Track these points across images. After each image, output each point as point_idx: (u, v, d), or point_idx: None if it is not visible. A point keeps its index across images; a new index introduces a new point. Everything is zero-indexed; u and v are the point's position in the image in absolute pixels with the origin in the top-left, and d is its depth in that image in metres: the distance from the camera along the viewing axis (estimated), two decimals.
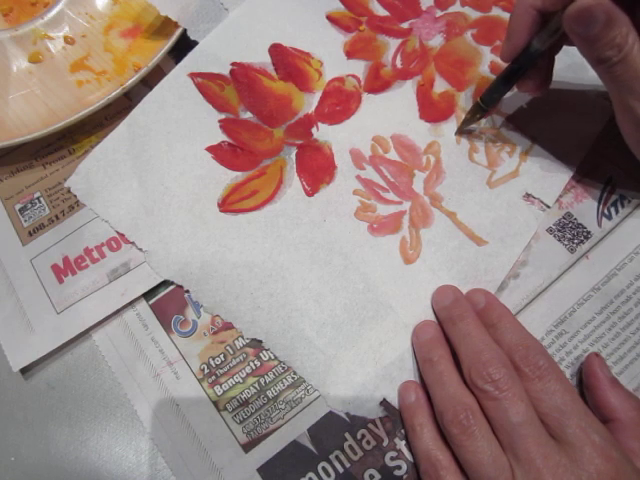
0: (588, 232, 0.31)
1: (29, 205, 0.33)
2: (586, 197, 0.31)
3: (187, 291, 0.30)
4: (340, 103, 0.34)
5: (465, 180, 0.32)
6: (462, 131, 0.33)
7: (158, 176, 0.32)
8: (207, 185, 0.32)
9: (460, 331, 0.26)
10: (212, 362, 0.29)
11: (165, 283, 0.30)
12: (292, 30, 0.36)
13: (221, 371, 0.28)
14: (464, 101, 0.34)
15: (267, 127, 0.34)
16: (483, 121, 0.33)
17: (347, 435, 0.27)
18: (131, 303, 0.30)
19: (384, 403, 0.27)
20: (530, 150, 0.32)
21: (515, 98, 0.34)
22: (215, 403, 0.28)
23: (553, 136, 0.33)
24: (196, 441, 0.27)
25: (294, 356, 0.28)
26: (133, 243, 0.31)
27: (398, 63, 0.36)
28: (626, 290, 0.29)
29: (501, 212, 0.31)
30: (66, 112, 0.33)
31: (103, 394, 0.29)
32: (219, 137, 0.33)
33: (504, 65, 0.29)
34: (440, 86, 0.35)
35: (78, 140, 0.34)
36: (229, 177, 0.32)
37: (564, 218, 0.31)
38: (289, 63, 0.35)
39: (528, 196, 0.31)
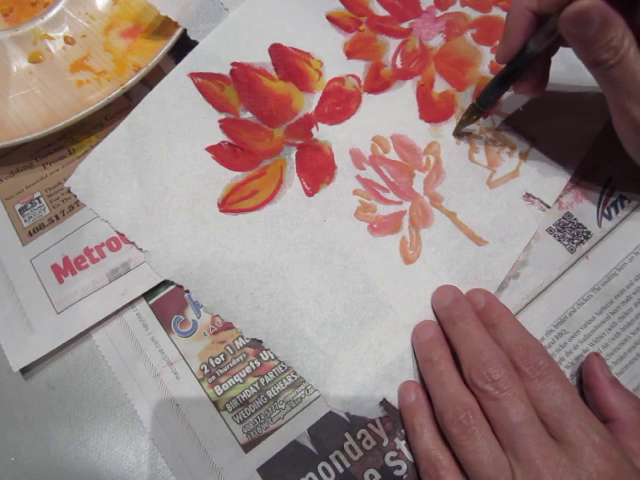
0: (588, 232, 0.31)
1: (29, 205, 0.33)
2: (586, 197, 0.31)
3: (187, 291, 0.30)
4: (340, 103, 0.34)
5: (465, 180, 0.32)
6: (459, 133, 0.33)
7: (158, 176, 0.32)
8: (207, 185, 0.32)
9: (460, 331, 0.26)
10: (212, 362, 0.29)
11: (165, 283, 0.30)
12: (292, 30, 0.36)
13: (221, 371, 0.28)
14: (464, 101, 0.34)
15: (267, 127, 0.34)
16: (482, 121, 0.33)
17: (347, 435, 0.27)
18: (131, 303, 0.30)
19: (384, 403, 0.27)
20: (530, 150, 0.32)
21: (515, 98, 0.34)
22: (215, 403, 0.28)
23: (553, 136, 0.33)
24: (196, 441, 0.27)
25: (294, 356, 0.28)
26: (133, 243, 0.31)
27: (398, 63, 0.36)
28: (626, 290, 0.29)
29: (501, 212, 0.31)
30: (66, 112, 0.33)
31: (103, 394, 0.29)
32: (219, 137, 0.33)
33: (502, 66, 0.30)
34: (440, 86, 0.35)
35: (78, 140, 0.34)
36: (229, 177, 0.32)
37: (564, 218, 0.31)
38: (289, 63, 0.35)
39: (528, 196, 0.31)
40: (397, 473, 0.26)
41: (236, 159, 0.33)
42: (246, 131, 0.33)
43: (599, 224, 0.31)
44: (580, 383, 0.27)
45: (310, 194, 0.32)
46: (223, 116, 0.34)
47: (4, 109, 0.34)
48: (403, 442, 0.26)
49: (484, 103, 0.31)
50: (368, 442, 0.27)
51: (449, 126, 0.33)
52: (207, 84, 0.35)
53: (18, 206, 0.33)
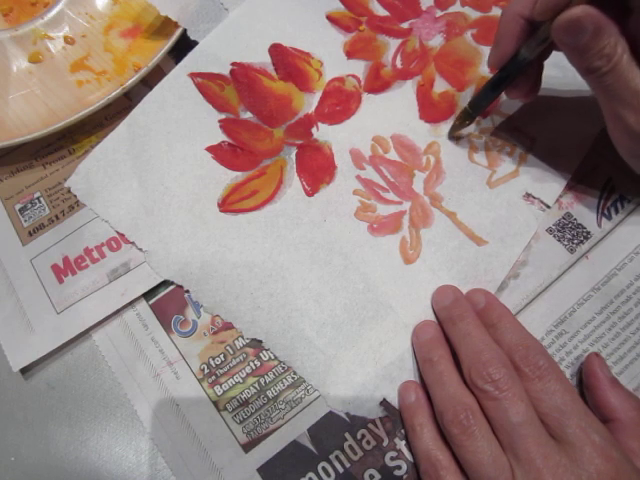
0: (588, 232, 0.31)
1: (29, 205, 0.33)
2: (586, 197, 0.31)
3: (187, 291, 0.30)
4: (340, 103, 0.34)
5: (465, 180, 0.32)
6: (452, 136, 0.33)
7: (158, 176, 0.32)
8: (207, 185, 0.32)
9: (460, 331, 0.26)
10: (212, 362, 0.29)
11: (165, 283, 0.30)
12: (292, 30, 0.36)
13: (221, 371, 0.28)
14: (464, 101, 0.34)
15: (267, 127, 0.34)
16: (482, 121, 0.33)
17: (347, 435, 0.27)
18: (131, 303, 0.30)
19: (384, 403, 0.27)
20: (530, 150, 0.32)
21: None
22: (215, 403, 0.28)
23: (553, 136, 0.33)
24: (196, 441, 0.27)
25: (294, 356, 0.28)
26: (133, 243, 0.31)
27: (398, 63, 0.36)
28: (626, 290, 0.29)
29: (501, 212, 0.31)
30: (66, 112, 0.33)
31: (103, 394, 0.29)
32: (219, 137, 0.33)
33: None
34: (440, 86, 0.35)
35: (78, 140, 0.34)
36: (229, 177, 0.32)
37: (564, 218, 0.31)
38: (289, 63, 0.35)
39: (528, 196, 0.31)
40: (397, 473, 0.26)
41: (236, 159, 0.33)
42: (246, 131, 0.33)
43: (599, 224, 0.31)
44: (580, 383, 0.27)
45: (310, 194, 0.32)
46: (223, 116, 0.34)
47: (4, 109, 0.34)
48: (403, 442, 0.26)
49: (476, 108, 0.31)
50: (368, 442, 0.27)
51: (449, 126, 0.33)
52: (207, 84, 0.35)
53: (18, 206, 0.33)
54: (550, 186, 0.31)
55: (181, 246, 0.30)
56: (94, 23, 0.37)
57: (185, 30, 0.35)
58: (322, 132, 0.33)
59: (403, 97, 0.35)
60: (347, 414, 0.27)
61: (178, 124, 0.33)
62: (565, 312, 0.29)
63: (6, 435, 0.28)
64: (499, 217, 0.31)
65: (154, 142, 0.33)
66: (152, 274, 0.30)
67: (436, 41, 0.36)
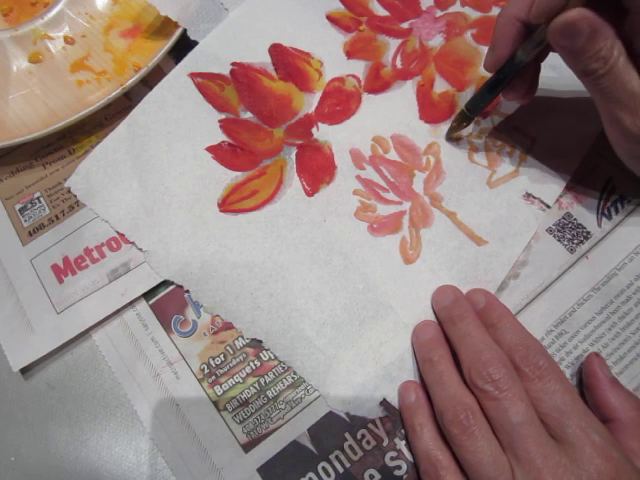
0: (588, 232, 0.31)
1: (29, 205, 0.33)
2: (586, 197, 0.31)
3: (187, 291, 0.30)
4: (340, 103, 0.34)
5: (465, 180, 0.32)
6: (450, 138, 0.33)
7: (158, 176, 0.32)
8: (207, 185, 0.32)
9: (460, 331, 0.26)
10: (212, 362, 0.29)
11: (165, 283, 0.30)
12: (292, 30, 0.36)
13: (221, 371, 0.28)
14: (464, 101, 0.34)
15: (267, 127, 0.34)
16: (482, 121, 0.33)
17: (347, 435, 0.27)
18: (131, 303, 0.30)
19: (384, 403, 0.27)
20: (530, 150, 0.32)
21: None
22: (215, 403, 0.28)
23: (553, 136, 0.33)
24: (196, 441, 0.27)
25: (294, 356, 0.28)
26: (133, 243, 0.31)
27: (398, 63, 0.36)
28: (626, 290, 0.29)
29: (501, 212, 0.31)
30: (66, 112, 0.33)
31: (103, 394, 0.29)
32: (219, 137, 0.33)
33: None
34: (440, 86, 0.35)
35: (78, 140, 0.34)
36: (229, 177, 0.32)
37: (564, 218, 0.31)
38: (289, 63, 0.35)
39: (528, 196, 0.31)
40: (397, 473, 0.26)
41: (236, 159, 0.33)
42: (246, 131, 0.33)
43: (599, 224, 0.31)
44: (580, 383, 0.27)
45: (310, 194, 0.32)
46: (223, 116, 0.34)
47: (4, 109, 0.34)
48: (403, 442, 0.26)
49: (473, 110, 0.31)
50: (368, 442, 0.27)
51: (449, 127, 0.33)
52: (207, 84, 0.35)
53: (18, 206, 0.33)
54: (550, 186, 0.31)
55: (181, 246, 0.30)
56: (94, 23, 0.37)
57: (185, 30, 0.35)
58: (322, 132, 0.33)
59: (403, 97, 0.35)
60: (347, 414, 0.27)
61: (178, 124, 0.33)
62: (565, 312, 0.29)
63: (6, 435, 0.28)
64: (499, 217, 0.31)
65: (154, 142, 0.33)
66: (152, 274, 0.30)
67: (436, 41, 0.36)
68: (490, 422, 0.23)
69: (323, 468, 0.26)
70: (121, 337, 0.29)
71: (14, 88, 0.35)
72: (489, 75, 0.29)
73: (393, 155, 0.33)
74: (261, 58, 0.35)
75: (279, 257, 0.30)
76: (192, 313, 0.30)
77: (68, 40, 0.36)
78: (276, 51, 0.36)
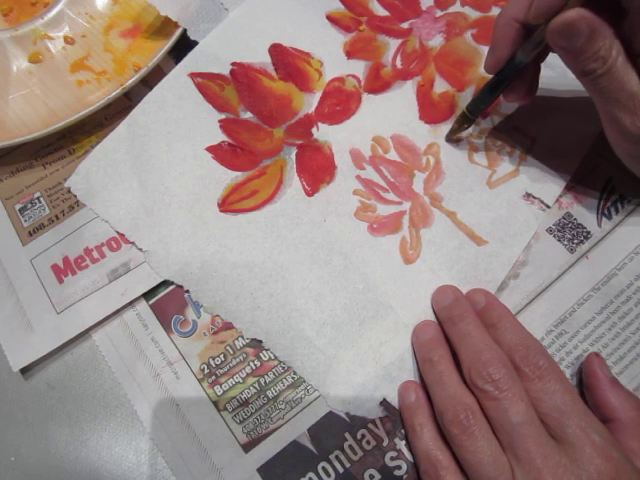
0: (588, 232, 0.31)
1: (29, 205, 0.33)
2: (586, 197, 0.31)
3: (187, 291, 0.30)
4: (340, 103, 0.34)
5: (465, 180, 0.32)
6: (451, 139, 0.33)
7: (158, 176, 0.32)
8: (207, 185, 0.32)
9: (460, 331, 0.26)
10: (212, 362, 0.29)
11: (165, 283, 0.30)
12: (292, 30, 0.36)
13: (221, 371, 0.28)
14: (464, 101, 0.34)
15: (267, 127, 0.34)
16: (482, 121, 0.33)
17: (347, 435, 0.27)
18: (131, 303, 0.30)
19: (384, 403, 0.27)
20: (530, 150, 0.32)
21: None
22: (215, 403, 0.28)
23: (553, 136, 0.33)
24: (196, 441, 0.27)
25: (294, 356, 0.28)
26: (133, 243, 0.31)
27: (398, 63, 0.36)
28: (626, 290, 0.29)
29: (501, 212, 0.31)
30: (66, 112, 0.33)
31: (103, 394, 0.29)
32: (219, 137, 0.33)
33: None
34: (440, 86, 0.35)
35: (78, 140, 0.34)
36: (229, 177, 0.32)
37: (564, 218, 0.31)
38: (289, 63, 0.35)
39: (528, 196, 0.31)
40: (397, 473, 0.26)
41: (236, 159, 0.33)
42: (246, 131, 0.33)
43: (599, 224, 0.31)
44: (580, 383, 0.27)
45: (310, 194, 0.32)
46: (223, 116, 0.34)
47: (4, 109, 0.34)
48: (403, 442, 0.26)
49: (474, 111, 0.31)
50: (368, 442, 0.27)
51: (449, 127, 0.33)
52: (207, 84, 0.35)
53: (18, 206, 0.33)
54: (550, 186, 0.31)
55: (181, 246, 0.30)
56: (94, 23, 0.37)
57: (185, 30, 0.35)
58: (322, 132, 0.33)
59: (403, 97, 0.35)
60: (347, 414, 0.27)
61: (178, 124, 0.33)
62: (565, 312, 0.29)
63: (6, 435, 0.28)
64: (499, 217, 0.31)
65: (154, 142, 0.33)
66: (152, 274, 0.30)
67: (436, 41, 0.36)
68: (490, 422, 0.23)
69: (323, 468, 0.26)
70: (121, 337, 0.29)
71: (14, 88, 0.35)
72: (489, 75, 0.29)
73: (393, 155, 0.33)
74: (261, 58, 0.35)
75: (279, 257, 0.30)
76: (192, 313, 0.30)
77: (68, 40, 0.36)
78: (276, 51, 0.36)
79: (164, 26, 0.36)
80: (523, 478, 0.21)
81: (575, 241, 0.30)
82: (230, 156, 0.33)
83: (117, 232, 0.31)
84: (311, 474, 0.26)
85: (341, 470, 0.26)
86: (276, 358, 0.28)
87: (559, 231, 0.31)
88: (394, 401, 0.27)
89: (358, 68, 0.35)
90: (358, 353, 0.28)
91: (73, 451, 0.28)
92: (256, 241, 0.31)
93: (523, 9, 0.26)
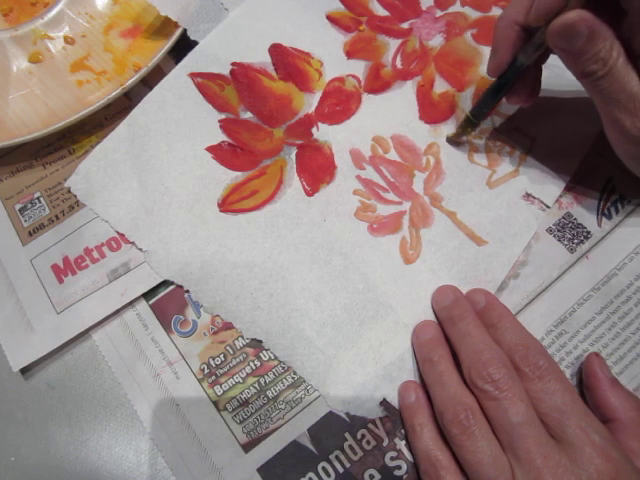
0: (588, 232, 0.31)
1: (29, 205, 0.33)
2: (586, 197, 0.31)
3: (187, 291, 0.30)
4: (340, 103, 0.34)
5: (465, 180, 0.32)
6: (453, 142, 0.33)
7: (158, 176, 0.32)
8: (207, 185, 0.32)
9: (460, 331, 0.26)
10: (212, 362, 0.29)
11: (165, 283, 0.30)
12: (292, 30, 0.36)
13: (221, 371, 0.28)
14: (464, 101, 0.34)
15: (267, 127, 0.34)
16: (482, 122, 0.33)
17: (347, 435, 0.27)
18: (131, 303, 0.30)
19: (384, 403, 0.27)
20: (530, 150, 0.32)
21: None
22: (215, 403, 0.28)
23: (553, 136, 0.33)
24: (196, 441, 0.27)
25: (294, 356, 0.28)
26: (133, 243, 0.31)
27: (398, 63, 0.36)
28: (626, 290, 0.29)
29: (501, 212, 0.31)
30: (66, 112, 0.33)
31: (103, 394, 0.29)
32: (219, 137, 0.33)
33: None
34: (440, 86, 0.35)
35: (78, 140, 0.34)
36: (229, 177, 0.32)
37: (564, 218, 0.31)
38: (289, 63, 0.35)
39: (528, 196, 0.31)
40: (397, 473, 0.26)
41: (236, 159, 0.33)
42: (246, 131, 0.33)
43: (599, 224, 0.31)
44: (580, 383, 0.27)
45: (310, 194, 0.32)
46: (223, 116, 0.34)
47: (4, 109, 0.34)
48: (403, 442, 0.26)
49: (478, 115, 0.31)
50: (368, 442, 0.27)
51: (449, 127, 0.33)
52: (207, 84, 0.35)
53: (18, 206, 0.33)
54: (550, 186, 0.31)
55: (181, 246, 0.30)
56: (94, 23, 0.37)
57: (185, 30, 0.35)
58: (322, 132, 0.33)
59: (403, 97, 0.35)
60: (347, 414, 0.27)
61: (178, 124, 0.33)
62: (565, 312, 0.29)
63: (6, 435, 0.28)
64: (499, 217, 0.31)
65: (154, 142, 0.33)
66: (152, 274, 0.30)
67: (436, 41, 0.36)
68: (490, 422, 0.23)
69: (323, 468, 0.26)
70: (121, 337, 0.29)
71: (14, 88, 0.35)
72: (489, 75, 0.29)
73: (393, 155, 0.33)
74: (261, 58, 0.35)
75: (279, 257, 0.30)
76: (192, 313, 0.30)
77: (68, 40, 0.36)
78: (276, 51, 0.36)
79: (164, 26, 0.36)
80: (523, 478, 0.21)
81: (575, 241, 0.30)
82: (230, 156, 0.33)
83: (117, 232, 0.31)
84: (311, 474, 0.26)
85: (341, 470, 0.26)
86: (276, 358, 0.28)
87: (559, 231, 0.31)
88: (394, 401, 0.27)
89: (358, 68, 0.35)
90: (358, 353, 0.28)
91: (73, 451, 0.28)
92: (256, 241, 0.31)
93: (523, 12, 0.26)
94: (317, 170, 0.32)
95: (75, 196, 0.32)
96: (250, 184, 0.32)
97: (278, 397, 0.28)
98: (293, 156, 0.33)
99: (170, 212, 0.31)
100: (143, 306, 0.30)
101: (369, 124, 0.34)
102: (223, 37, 0.36)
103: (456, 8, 0.37)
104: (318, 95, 0.35)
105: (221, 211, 0.31)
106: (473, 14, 0.37)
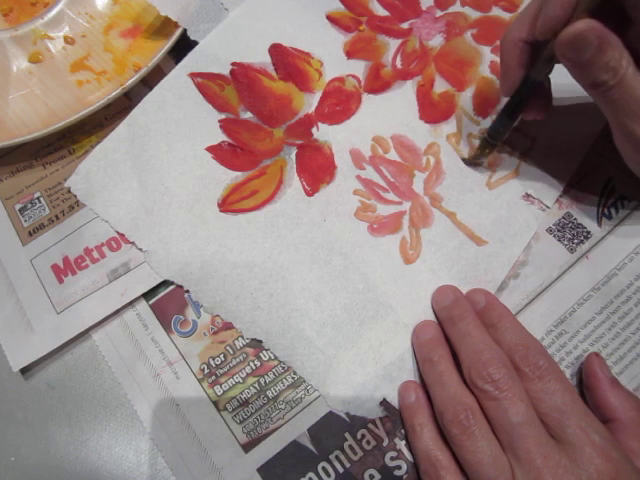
0: (588, 232, 0.31)
1: (29, 205, 0.33)
2: (586, 197, 0.31)
3: (187, 291, 0.30)
4: (340, 103, 0.34)
5: (465, 181, 0.32)
6: (472, 163, 0.32)
7: (158, 176, 0.32)
8: (207, 185, 0.32)
9: (460, 331, 0.26)
10: (212, 362, 0.29)
11: (165, 283, 0.30)
12: (292, 30, 0.36)
13: (221, 371, 0.28)
14: (464, 101, 0.34)
15: (267, 127, 0.34)
16: (482, 122, 0.33)
17: (347, 435, 0.27)
18: (131, 303, 0.30)
19: (384, 403, 0.27)
20: (530, 150, 0.32)
21: None
22: (215, 403, 0.28)
23: (553, 136, 0.33)
24: (196, 441, 0.27)
25: (294, 356, 0.28)
26: (133, 243, 0.31)
27: (398, 63, 0.36)
28: (626, 290, 0.29)
29: (501, 212, 0.31)
30: (66, 112, 0.33)
31: (103, 394, 0.29)
32: (219, 137, 0.33)
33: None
34: (440, 86, 0.35)
35: (78, 140, 0.34)
36: (229, 177, 0.32)
37: (564, 218, 0.31)
38: (289, 63, 0.35)
39: (528, 196, 0.31)
40: (397, 473, 0.26)
41: (236, 159, 0.33)
42: (246, 131, 0.33)
43: (599, 224, 0.31)
44: (580, 383, 0.27)
45: (310, 194, 0.32)
46: (223, 116, 0.34)
47: (4, 109, 0.34)
48: (403, 442, 0.26)
49: (495, 136, 0.30)
50: (368, 442, 0.27)
51: (449, 127, 0.33)
52: (207, 84, 0.35)
53: (18, 206, 0.33)
54: (550, 186, 0.31)
55: (181, 246, 0.30)
56: (94, 23, 0.37)
57: (185, 30, 0.35)
58: (322, 132, 0.33)
59: (403, 97, 0.35)
60: (347, 414, 0.27)
61: (178, 124, 0.33)
62: (565, 312, 0.29)
63: (6, 435, 0.28)
64: (499, 217, 0.31)
65: (154, 142, 0.33)
66: (152, 274, 0.30)
67: (436, 41, 0.36)
68: (490, 422, 0.23)
69: (323, 468, 0.26)
70: (121, 337, 0.29)
71: (14, 88, 0.35)
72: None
73: (393, 155, 0.33)
74: (261, 58, 0.35)
75: (279, 257, 0.30)
76: (192, 313, 0.30)
77: (68, 40, 0.36)
78: (276, 51, 0.36)
79: (164, 26, 0.36)
80: (523, 478, 0.21)
81: (575, 241, 0.30)
82: (230, 156, 0.33)
83: (117, 232, 0.31)
84: (311, 474, 0.26)
85: (341, 470, 0.26)
86: (276, 358, 0.28)
87: (559, 231, 0.31)
88: (394, 401, 0.27)
89: (358, 68, 0.35)
90: (358, 353, 0.28)
91: (73, 451, 0.28)
92: (256, 241, 0.31)
93: (526, 29, 0.26)
94: (317, 170, 0.32)
95: (75, 196, 0.32)
96: (250, 184, 0.32)
97: (278, 397, 0.28)
98: (293, 156, 0.33)
99: (170, 212, 0.31)
100: (143, 306, 0.30)
101: (369, 124, 0.34)
102: (223, 37, 0.36)
103: (456, 8, 0.37)
104: (318, 95, 0.35)
105: (221, 211, 0.31)
106: (473, 14, 0.37)
